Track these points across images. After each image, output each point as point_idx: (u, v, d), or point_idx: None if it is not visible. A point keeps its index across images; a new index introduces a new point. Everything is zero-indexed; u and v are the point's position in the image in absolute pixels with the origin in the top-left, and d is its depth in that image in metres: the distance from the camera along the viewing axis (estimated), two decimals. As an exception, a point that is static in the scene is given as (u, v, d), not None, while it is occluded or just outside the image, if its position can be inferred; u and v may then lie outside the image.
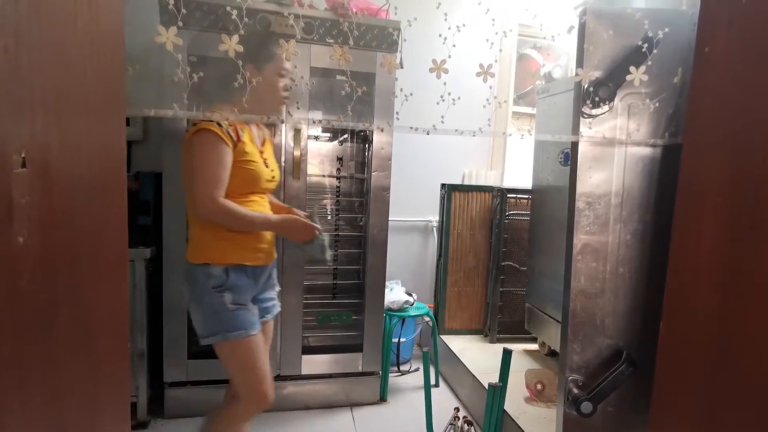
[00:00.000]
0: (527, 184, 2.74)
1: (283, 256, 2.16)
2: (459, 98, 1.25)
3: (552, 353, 2.52)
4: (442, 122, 1.28)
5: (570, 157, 1.04)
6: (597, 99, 0.92)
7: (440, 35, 1.25)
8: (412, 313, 2.51)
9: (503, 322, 2.76)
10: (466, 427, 2.00)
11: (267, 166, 1.48)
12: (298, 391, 2.28)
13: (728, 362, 0.80)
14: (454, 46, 1.20)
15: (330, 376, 2.32)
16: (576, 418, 1.01)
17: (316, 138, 2.50)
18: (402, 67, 2.18)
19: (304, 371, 2.27)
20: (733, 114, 0.82)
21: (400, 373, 2.71)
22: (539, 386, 2.05)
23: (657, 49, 0.92)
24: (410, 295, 2.61)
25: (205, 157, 1.30)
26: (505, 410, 1.92)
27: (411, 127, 1.39)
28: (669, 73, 0.95)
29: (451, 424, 2.02)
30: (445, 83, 1.19)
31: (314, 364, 2.28)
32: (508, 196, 2.73)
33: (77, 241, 0.54)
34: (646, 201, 1.01)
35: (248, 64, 1.28)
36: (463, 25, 1.24)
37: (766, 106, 0.77)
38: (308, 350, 2.28)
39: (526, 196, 2.73)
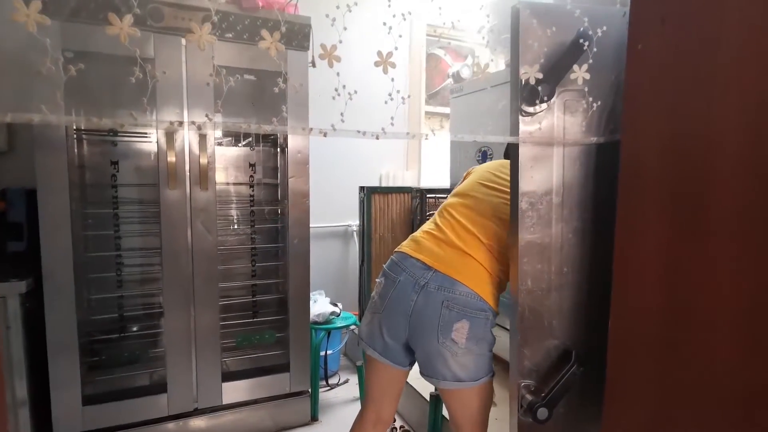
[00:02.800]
0: (443, 183, 2.76)
1: (193, 274, 1.94)
2: (356, 92, 1.10)
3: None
4: (392, 124, 1.15)
5: (509, 156, 1.01)
6: (537, 97, 0.89)
7: (327, 15, 1.09)
8: (340, 324, 2.40)
9: (430, 323, 2.75)
10: (404, 437, 1.93)
11: None
12: (219, 423, 2.06)
13: (678, 358, 0.81)
14: (400, 36, 1.05)
15: (255, 401, 2.12)
16: (530, 425, 0.98)
17: (219, 143, 2.28)
18: (314, 66, 2.07)
19: (225, 400, 2.06)
20: (668, 110, 0.83)
21: (329, 387, 2.58)
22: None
23: (596, 47, 0.92)
24: (335, 305, 2.49)
25: None
26: (444, 416, 1.89)
27: (358, 131, 1.23)
28: (606, 71, 0.95)
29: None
30: (338, 73, 1.03)
31: (236, 390, 2.08)
32: (428, 196, 2.73)
33: None
34: (586, 199, 1.01)
35: None
36: (355, 4, 1.10)
37: (700, 102, 0.78)
38: (228, 376, 2.07)
39: (445, 196, 2.74)
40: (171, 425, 1.98)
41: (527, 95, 0.92)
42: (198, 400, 2.00)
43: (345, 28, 0.98)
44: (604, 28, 0.92)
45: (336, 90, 0.96)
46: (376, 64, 0.96)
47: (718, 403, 0.74)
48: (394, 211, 2.80)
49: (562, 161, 0.98)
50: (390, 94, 0.99)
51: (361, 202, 2.77)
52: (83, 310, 1.89)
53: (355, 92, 0.98)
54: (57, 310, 1.73)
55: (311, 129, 0.98)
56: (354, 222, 3.02)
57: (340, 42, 0.94)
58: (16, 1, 0.66)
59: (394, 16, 1.05)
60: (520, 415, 1.01)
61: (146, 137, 2.07)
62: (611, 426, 0.89)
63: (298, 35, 2.03)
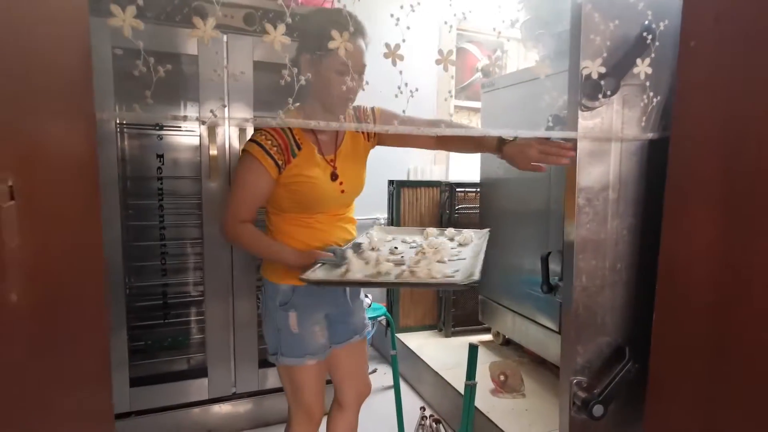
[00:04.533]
0: (470, 177, 2.78)
1: (233, 264, 2.00)
2: (417, 90, 1.13)
3: (506, 342, 2.58)
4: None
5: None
6: (599, 91, 0.91)
7: (392, 15, 1.10)
8: (370, 315, 2.45)
9: (455, 315, 2.78)
10: (434, 425, 1.98)
11: (336, 179, 1.29)
12: (256, 408, 2.13)
13: (724, 356, 0.83)
14: (408, 28, 1.06)
15: (289, 388, 2.19)
16: (583, 421, 1.01)
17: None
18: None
19: (262, 386, 2.13)
20: (720, 108, 0.85)
21: (358, 377, 2.64)
22: (502, 377, 2.08)
23: (659, 41, 0.93)
24: (366, 296, 2.54)
25: (239, 179, 1.26)
26: (475, 407, 1.93)
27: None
28: (667, 65, 0.96)
29: (420, 424, 1.99)
30: (401, 72, 1.05)
31: (272, 377, 2.15)
32: (457, 190, 2.75)
33: (63, 288, 0.41)
34: (640, 195, 1.03)
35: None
36: (418, 4, 1.11)
37: (753, 101, 0.79)
38: (265, 363, 2.14)
39: (474, 190, 2.76)
40: (211, 408, 2.06)
41: (589, 90, 0.93)
42: (236, 385, 2.08)
43: (408, 28, 1.00)
44: (666, 21, 0.93)
45: (399, 88, 0.98)
46: (437, 62, 0.98)
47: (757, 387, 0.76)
48: (423, 205, 2.83)
49: (619, 157, 1.00)
50: (399, 87, 1.01)
51: (390, 195, 2.81)
52: (129, 297, 1.96)
53: (417, 89, 1.01)
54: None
55: (330, 124, 1.01)
56: (382, 215, 3.06)
57: (404, 41, 0.97)
58: (113, 7, 0.70)
59: (401, 7, 1.05)
60: (573, 413, 1.03)
61: (190, 132, 2.13)
62: (654, 421, 0.92)
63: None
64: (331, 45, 0.96)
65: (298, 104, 0.93)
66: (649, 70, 0.94)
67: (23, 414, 0.41)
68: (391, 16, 0.95)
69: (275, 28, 0.84)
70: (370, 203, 3.06)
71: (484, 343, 2.64)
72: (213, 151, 1.93)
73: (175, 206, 2.12)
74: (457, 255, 1.26)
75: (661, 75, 0.95)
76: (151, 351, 2.07)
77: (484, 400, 1.97)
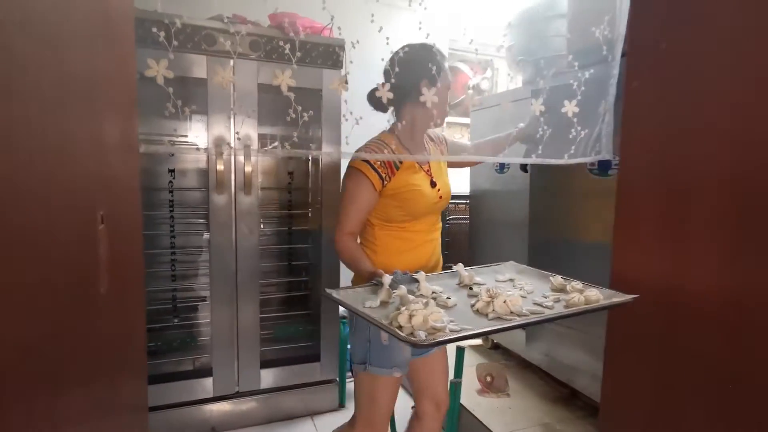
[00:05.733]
0: (460, 190, 2.93)
1: (237, 271, 2.16)
2: (404, 123, 1.30)
3: (495, 346, 2.72)
4: (393, 148, 1.34)
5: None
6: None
7: (382, 59, 1.29)
8: (365, 319, 2.60)
9: (448, 321, 2.92)
10: (424, 423, 2.11)
11: (434, 186, 1.44)
12: (257, 406, 2.27)
13: (671, 347, 0.98)
14: (397, 70, 1.23)
15: (289, 387, 2.34)
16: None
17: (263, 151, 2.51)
18: (347, 82, 2.27)
19: (263, 385, 2.27)
20: (657, 139, 1.01)
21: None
22: (489, 378, 2.22)
23: (584, 86, 1.10)
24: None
25: (346, 193, 1.38)
26: (461, 404, 2.07)
27: (357, 151, 1.44)
28: (595, 105, 1.13)
29: (412, 421, 2.13)
30: (392, 108, 1.23)
31: (272, 377, 2.29)
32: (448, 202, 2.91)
33: (124, 278, 0.56)
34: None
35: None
36: (406, 50, 1.30)
37: (684, 133, 0.95)
38: (266, 364, 2.29)
39: (465, 202, 2.92)
40: (215, 405, 2.20)
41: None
42: (239, 384, 2.22)
43: (385, 61, 1.17)
44: (592, 70, 1.10)
45: (388, 121, 1.15)
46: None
47: (700, 380, 0.91)
48: (417, 216, 2.99)
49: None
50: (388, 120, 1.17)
51: (386, 206, 2.96)
52: (141, 301, 2.12)
53: (404, 122, 1.18)
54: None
55: (326, 153, 1.18)
56: (378, 225, 3.22)
57: (393, 81, 1.14)
58: (150, 61, 0.87)
59: (392, 52, 1.22)
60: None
61: (198, 148, 2.30)
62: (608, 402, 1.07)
63: (332, 56, 2.24)
64: (422, 99, 1.19)
65: (391, 125, 1.21)
66: (576, 110, 1.11)
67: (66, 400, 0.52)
68: (382, 60, 1.12)
69: (283, 72, 1.00)
70: (367, 214, 3.23)
71: (474, 348, 2.78)
72: (220, 167, 2.10)
73: (185, 216, 2.28)
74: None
75: (588, 112, 1.13)
76: (161, 351, 2.22)
77: (471, 399, 2.11)
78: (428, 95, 1.22)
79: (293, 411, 2.34)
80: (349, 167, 1.38)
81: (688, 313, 0.94)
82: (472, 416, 1.98)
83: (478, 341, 2.85)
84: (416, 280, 1.19)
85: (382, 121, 1.23)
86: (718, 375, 0.88)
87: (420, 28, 1.54)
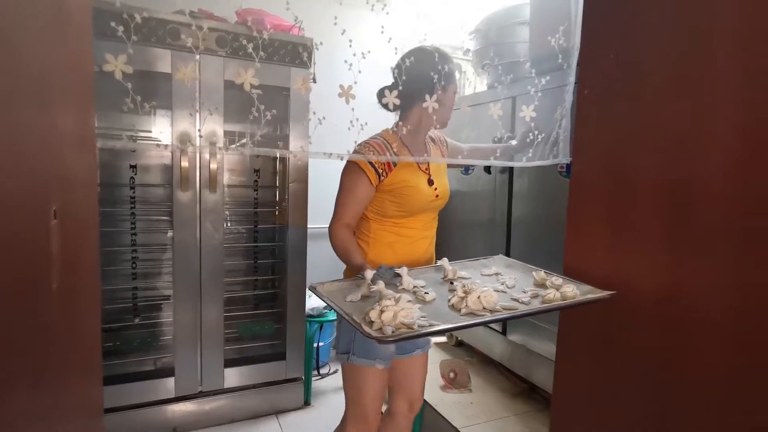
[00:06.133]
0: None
1: (201, 269, 2.13)
2: (366, 123, 1.33)
3: (459, 344, 2.78)
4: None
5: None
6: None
7: (345, 61, 1.31)
8: (332, 317, 2.61)
9: (414, 319, 2.96)
10: (389, 419, 2.14)
11: (432, 184, 1.47)
12: (221, 405, 2.25)
13: (613, 339, 1.04)
14: (360, 72, 1.27)
15: (254, 386, 2.33)
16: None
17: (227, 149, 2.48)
18: (315, 82, 2.27)
19: (227, 384, 2.25)
20: (605, 143, 1.06)
21: (320, 377, 2.79)
22: (452, 374, 2.27)
23: (540, 93, 1.16)
24: (329, 300, 2.70)
25: (343, 185, 1.43)
26: (424, 400, 2.11)
27: (325, 153, 1.45)
28: (551, 111, 1.19)
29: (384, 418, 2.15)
30: (353, 109, 1.26)
31: (237, 376, 2.28)
32: (416, 201, 2.94)
33: (78, 275, 0.56)
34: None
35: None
36: (368, 52, 1.33)
37: (625, 132, 1.01)
38: (230, 363, 2.27)
39: (431, 202, 2.96)
40: (178, 406, 2.17)
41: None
42: (202, 384, 2.20)
43: (360, 72, 1.19)
44: (548, 77, 1.16)
45: (351, 122, 1.17)
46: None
47: (637, 371, 0.97)
48: (384, 215, 3.01)
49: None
50: (351, 121, 1.20)
51: (354, 205, 2.98)
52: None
53: (365, 123, 1.20)
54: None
55: (291, 152, 1.19)
56: (346, 224, 3.23)
57: (356, 83, 1.16)
58: (108, 56, 0.86)
59: (354, 54, 1.26)
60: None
61: (160, 144, 2.26)
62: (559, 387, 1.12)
63: (301, 54, 2.24)
64: (424, 105, 1.25)
65: (397, 124, 1.29)
66: (534, 114, 1.16)
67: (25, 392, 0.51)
68: (345, 62, 1.14)
69: (246, 71, 1.01)
70: (335, 212, 3.24)
71: (439, 345, 2.83)
72: (185, 163, 2.07)
73: (147, 213, 2.23)
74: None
75: (543, 118, 1.18)
76: (121, 352, 2.17)
77: (434, 394, 2.15)
78: (430, 101, 1.28)
79: (258, 410, 2.33)
80: (348, 162, 1.42)
81: (628, 307, 1.00)
82: (435, 412, 2.02)
83: (442, 338, 2.90)
84: (399, 275, 1.20)
85: (345, 121, 1.24)
86: (652, 366, 0.95)
87: (382, 32, 1.56)
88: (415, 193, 1.42)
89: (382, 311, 0.94)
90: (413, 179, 1.43)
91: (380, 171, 1.39)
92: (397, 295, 1.01)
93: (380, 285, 1.07)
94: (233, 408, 2.28)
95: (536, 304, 1.01)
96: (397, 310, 0.94)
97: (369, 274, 1.12)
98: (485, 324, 0.96)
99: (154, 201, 2.27)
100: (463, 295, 1.04)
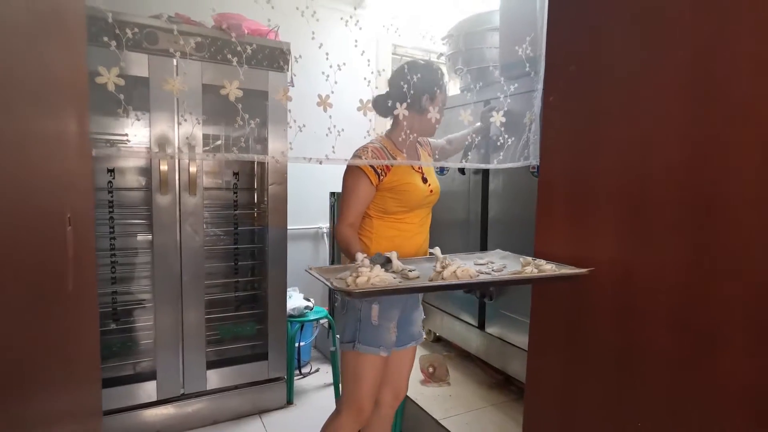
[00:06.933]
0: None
1: (182, 272, 2.14)
2: (343, 130, 1.40)
3: (437, 339, 2.86)
4: (333, 152, 1.44)
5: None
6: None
7: (323, 72, 1.39)
8: (312, 317, 2.65)
9: (393, 317, 3.03)
10: (370, 414, 2.20)
11: (426, 181, 1.59)
12: (203, 407, 2.27)
13: (577, 326, 1.12)
14: (336, 83, 1.32)
15: (236, 387, 2.35)
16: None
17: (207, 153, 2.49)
18: (293, 86, 2.31)
19: (210, 386, 2.27)
20: (568, 147, 1.15)
21: (302, 376, 2.83)
22: (431, 369, 2.35)
23: (509, 98, 1.24)
24: (308, 300, 2.74)
25: (346, 187, 1.53)
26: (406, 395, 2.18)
27: (305, 158, 1.51)
28: (521, 116, 1.27)
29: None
30: (330, 117, 1.33)
31: (219, 377, 2.30)
32: (393, 202, 3.01)
33: (82, 278, 0.59)
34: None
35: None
36: (344, 64, 1.40)
37: (586, 137, 1.10)
38: (212, 364, 2.29)
39: (408, 202, 3.04)
40: (160, 409, 2.18)
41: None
42: (185, 386, 2.21)
43: (336, 83, 1.25)
44: (516, 84, 1.24)
45: (329, 129, 1.23)
46: (358, 109, 1.24)
47: (598, 357, 1.06)
48: (362, 215, 3.07)
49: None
50: (368, 131, 1.27)
51: (332, 206, 3.02)
52: (78, 305, 2.06)
53: (343, 129, 1.26)
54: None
55: (272, 157, 1.25)
56: (324, 224, 3.28)
57: (332, 93, 1.21)
58: (101, 68, 0.89)
59: (330, 66, 1.33)
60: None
61: (141, 147, 2.26)
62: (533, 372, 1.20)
63: (278, 59, 2.28)
64: (429, 117, 1.40)
65: (389, 130, 1.43)
66: (503, 119, 1.25)
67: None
68: (322, 73, 1.20)
69: (231, 83, 1.05)
70: (314, 214, 3.27)
71: (418, 341, 2.90)
72: (163, 167, 2.08)
73: (126, 217, 2.23)
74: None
75: (512, 123, 1.27)
76: (101, 356, 2.16)
77: (414, 388, 2.22)
78: (433, 111, 1.44)
79: (241, 410, 2.36)
80: (349, 165, 1.52)
81: (589, 291, 1.09)
82: (415, 405, 2.09)
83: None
84: (390, 260, 1.28)
85: (323, 128, 1.31)
86: (610, 352, 1.04)
87: (356, 46, 1.62)
88: (413, 189, 1.54)
89: (357, 276, 1.00)
90: (409, 177, 1.55)
91: (379, 171, 1.49)
92: (375, 266, 1.07)
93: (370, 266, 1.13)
94: (216, 409, 2.30)
95: (506, 276, 1.08)
96: (372, 275, 1.00)
97: (360, 255, 1.19)
98: (452, 288, 1.04)
99: (132, 204, 2.27)
100: (440, 269, 1.10)
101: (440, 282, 1.05)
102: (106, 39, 0.88)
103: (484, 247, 2.19)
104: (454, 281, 1.06)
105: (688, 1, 0.87)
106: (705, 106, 0.85)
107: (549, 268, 1.08)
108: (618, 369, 1.04)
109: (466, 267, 1.10)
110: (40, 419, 0.49)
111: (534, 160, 1.50)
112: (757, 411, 0.81)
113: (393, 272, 1.19)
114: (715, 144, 0.84)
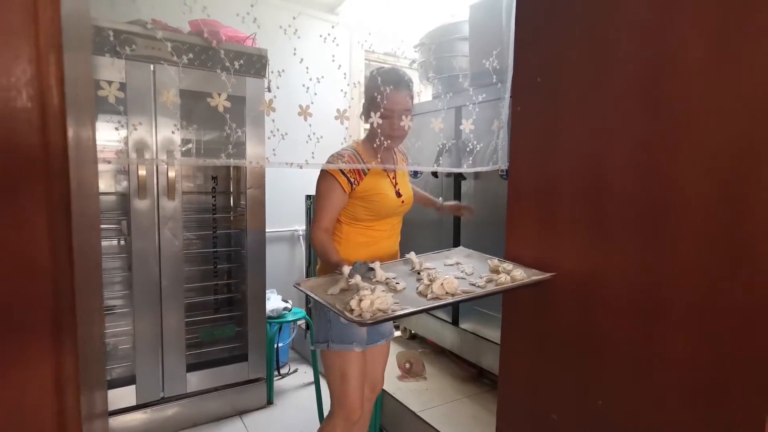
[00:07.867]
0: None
1: (161, 276, 2.16)
2: (322, 137, 1.49)
3: (413, 337, 2.95)
4: (313, 158, 1.52)
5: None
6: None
7: (303, 85, 1.48)
8: (291, 318, 2.70)
9: (370, 316, 3.10)
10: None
11: (399, 195, 1.63)
12: (184, 410, 2.28)
13: (545, 320, 1.23)
14: (315, 94, 1.41)
15: (216, 389, 2.37)
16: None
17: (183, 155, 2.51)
18: (270, 91, 2.36)
19: (190, 389, 2.29)
20: (535, 153, 1.26)
21: (281, 376, 2.87)
22: (408, 365, 2.43)
23: (478, 107, 1.35)
24: (286, 302, 2.79)
25: (319, 194, 1.57)
26: (383, 389, 2.25)
27: (286, 163, 1.57)
28: (489, 123, 1.38)
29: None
30: (310, 125, 1.42)
31: (199, 379, 2.32)
32: (368, 204, 3.09)
33: (95, 279, 0.64)
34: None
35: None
36: (322, 77, 1.49)
37: (550, 143, 1.21)
38: (192, 367, 2.31)
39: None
40: (139, 413, 2.18)
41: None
42: (164, 390, 2.22)
43: (315, 94, 1.33)
44: (484, 94, 1.35)
45: (308, 136, 1.31)
46: (336, 118, 1.32)
47: (566, 351, 1.17)
48: (338, 218, 3.14)
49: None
50: (344, 138, 1.36)
51: (308, 209, 3.08)
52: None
53: (322, 136, 1.34)
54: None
55: (251, 162, 1.32)
56: (301, 227, 3.33)
57: (312, 103, 1.29)
58: (102, 83, 0.93)
59: (310, 79, 1.42)
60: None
61: (119, 151, 2.26)
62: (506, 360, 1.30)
63: (256, 65, 2.32)
64: (370, 120, 1.44)
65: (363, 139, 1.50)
66: (473, 127, 1.36)
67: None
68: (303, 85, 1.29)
69: (219, 95, 1.11)
70: (290, 217, 3.32)
71: (395, 338, 2.98)
72: (142, 171, 2.09)
73: (104, 222, 2.23)
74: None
75: (481, 129, 1.38)
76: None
77: (392, 384, 2.30)
78: (374, 117, 1.47)
79: (222, 412, 2.38)
80: (322, 171, 1.56)
81: (555, 289, 1.20)
82: (393, 399, 2.17)
83: (398, 333, 3.06)
84: (373, 269, 1.33)
85: (304, 136, 1.40)
86: (572, 342, 1.15)
87: (333, 60, 1.69)
88: (384, 200, 1.59)
89: (361, 300, 1.07)
90: (382, 187, 1.59)
91: (352, 180, 1.54)
92: (373, 286, 1.15)
93: (357, 278, 1.20)
94: (196, 412, 2.32)
95: (491, 288, 1.18)
96: (374, 299, 1.08)
97: (346, 269, 1.25)
98: (448, 305, 1.13)
99: (109, 209, 2.27)
100: (428, 282, 1.20)
101: (439, 302, 1.13)
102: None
103: (457, 245, 2.30)
104: (459, 298, 1.15)
105: (638, 19, 0.99)
106: (653, 114, 0.97)
107: (518, 274, 1.19)
108: (579, 355, 1.14)
109: (449, 278, 1.19)
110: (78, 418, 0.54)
111: (502, 164, 1.60)
112: (693, 379, 0.93)
113: (377, 282, 1.27)
114: (663, 148, 0.96)
